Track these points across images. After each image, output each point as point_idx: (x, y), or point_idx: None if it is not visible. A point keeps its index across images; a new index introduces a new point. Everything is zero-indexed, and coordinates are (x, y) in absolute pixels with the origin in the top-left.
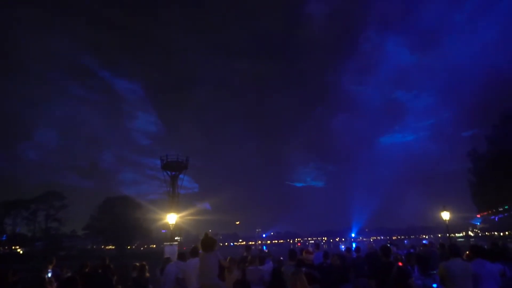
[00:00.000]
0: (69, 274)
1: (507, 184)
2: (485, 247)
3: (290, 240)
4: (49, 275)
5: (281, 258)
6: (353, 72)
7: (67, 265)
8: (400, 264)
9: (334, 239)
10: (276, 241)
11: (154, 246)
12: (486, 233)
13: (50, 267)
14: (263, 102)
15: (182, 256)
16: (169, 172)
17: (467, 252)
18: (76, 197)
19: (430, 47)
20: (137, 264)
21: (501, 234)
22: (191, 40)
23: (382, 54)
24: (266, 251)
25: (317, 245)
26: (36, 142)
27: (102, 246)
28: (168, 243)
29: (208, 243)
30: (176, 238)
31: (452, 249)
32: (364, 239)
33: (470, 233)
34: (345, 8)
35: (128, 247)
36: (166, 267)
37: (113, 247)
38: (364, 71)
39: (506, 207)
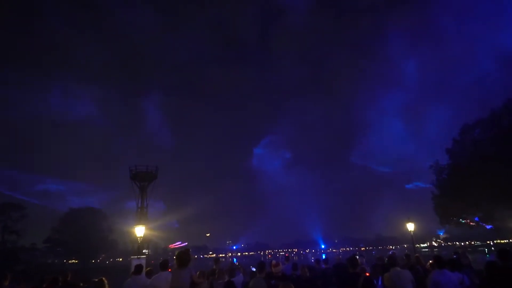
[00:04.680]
0: None
1: (464, 196)
2: (454, 257)
3: (261, 252)
4: None
5: (253, 269)
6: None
7: (25, 280)
8: (367, 274)
9: (304, 251)
10: (246, 253)
11: (121, 259)
12: (449, 243)
13: (6, 283)
14: (234, 106)
15: (149, 273)
16: (138, 183)
17: (430, 261)
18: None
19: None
20: (96, 280)
21: (462, 244)
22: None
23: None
24: (237, 263)
25: (287, 257)
26: None
27: (64, 260)
28: (136, 257)
29: (185, 260)
30: (144, 251)
31: (391, 260)
32: (334, 250)
33: (434, 243)
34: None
35: (93, 261)
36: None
37: (76, 261)
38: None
39: (462, 220)
